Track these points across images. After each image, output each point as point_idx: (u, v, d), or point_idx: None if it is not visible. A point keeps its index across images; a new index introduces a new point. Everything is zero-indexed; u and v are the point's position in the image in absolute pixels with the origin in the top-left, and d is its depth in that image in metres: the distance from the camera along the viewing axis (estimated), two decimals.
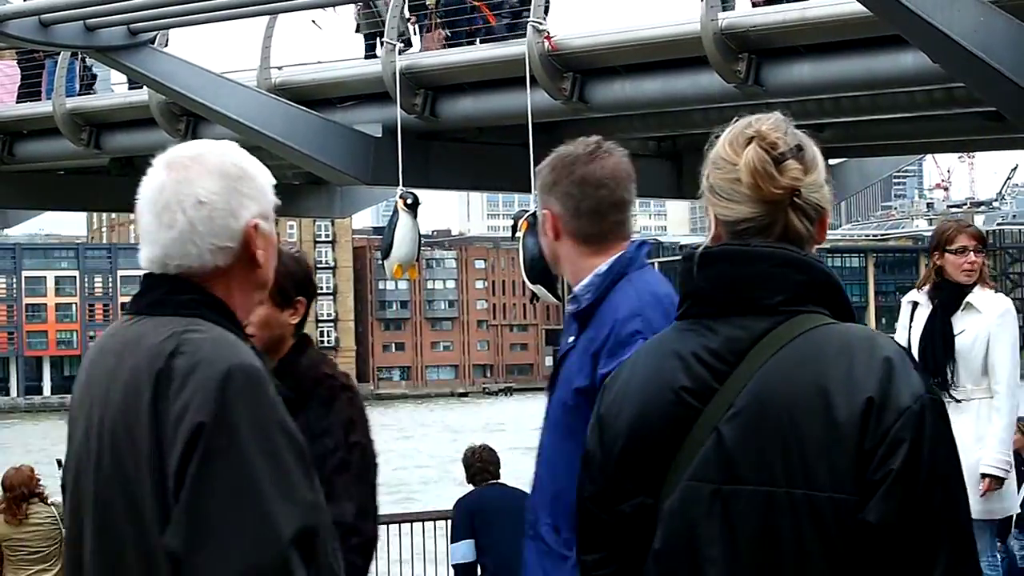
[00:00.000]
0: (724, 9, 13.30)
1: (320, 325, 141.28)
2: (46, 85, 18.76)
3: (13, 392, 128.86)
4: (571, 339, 3.69)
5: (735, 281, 2.59)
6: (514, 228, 14.00)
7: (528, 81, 14.03)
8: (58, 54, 17.86)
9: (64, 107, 17.98)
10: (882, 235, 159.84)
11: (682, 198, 19.44)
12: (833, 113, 13.89)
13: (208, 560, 2.44)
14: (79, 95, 18.41)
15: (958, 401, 6.72)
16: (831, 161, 16.03)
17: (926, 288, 7.00)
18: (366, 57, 16.53)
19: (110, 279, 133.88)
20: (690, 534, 2.54)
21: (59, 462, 12.44)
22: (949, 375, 6.80)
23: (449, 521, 10.26)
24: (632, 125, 15.76)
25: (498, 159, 16.55)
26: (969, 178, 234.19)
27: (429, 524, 12.58)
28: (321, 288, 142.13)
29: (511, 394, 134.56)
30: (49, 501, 11.49)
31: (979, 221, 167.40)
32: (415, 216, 14.34)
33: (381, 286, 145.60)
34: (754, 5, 13.54)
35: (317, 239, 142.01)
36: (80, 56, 17.95)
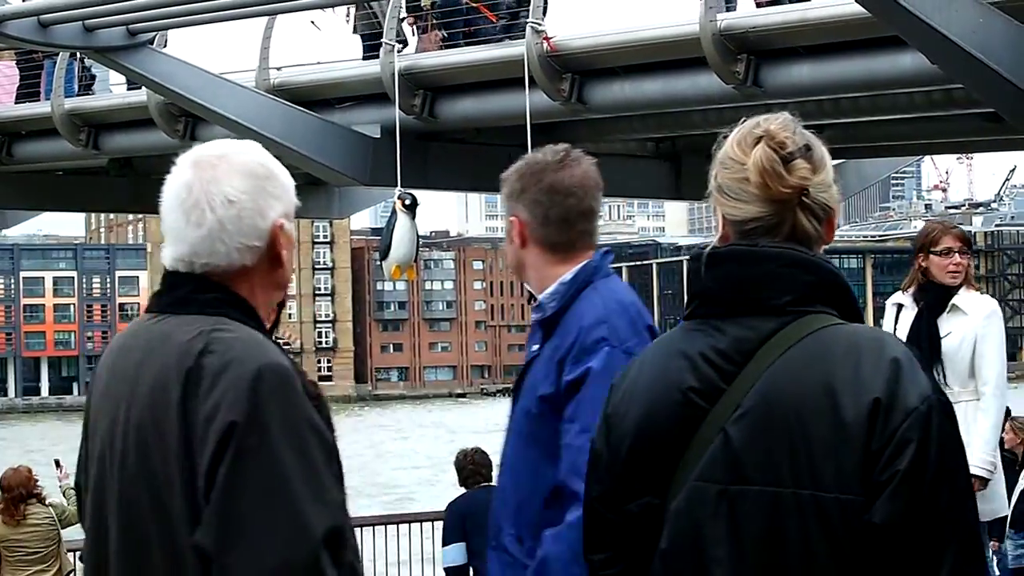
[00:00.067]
0: (728, 9, 13.30)
1: (318, 326, 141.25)
2: (45, 86, 18.73)
3: (11, 393, 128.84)
4: (536, 347, 3.68)
5: (743, 281, 2.59)
6: None
7: (527, 82, 14.02)
8: (57, 54, 17.83)
9: (63, 108, 17.96)
10: (880, 236, 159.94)
11: (681, 199, 19.43)
12: (832, 114, 13.88)
13: (240, 559, 2.44)
14: (78, 96, 18.38)
15: None
16: None
17: (911, 290, 6.94)
18: (364, 58, 16.52)
19: (108, 280, 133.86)
20: (696, 534, 2.54)
21: (57, 462, 12.42)
22: (936, 377, 6.77)
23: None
24: (631, 126, 15.75)
25: (497, 160, 16.39)
26: (967, 179, 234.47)
27: (427, 525, 12.57)
28: (319, 289, 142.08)
29: (509, 395, 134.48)
30: (47, 502, 11.50)
31: (977, 222, 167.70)
32: (413, 217, 14.33)
33: (379, 287, 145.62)
34: (758, 5, 13.53)
35: (315, 240, 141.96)
36: (79, 57, 17.92)
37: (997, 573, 10.21)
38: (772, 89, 12.98)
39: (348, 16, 16.63)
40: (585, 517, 2.73)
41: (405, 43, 15.61)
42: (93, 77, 18.82)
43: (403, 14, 15.55)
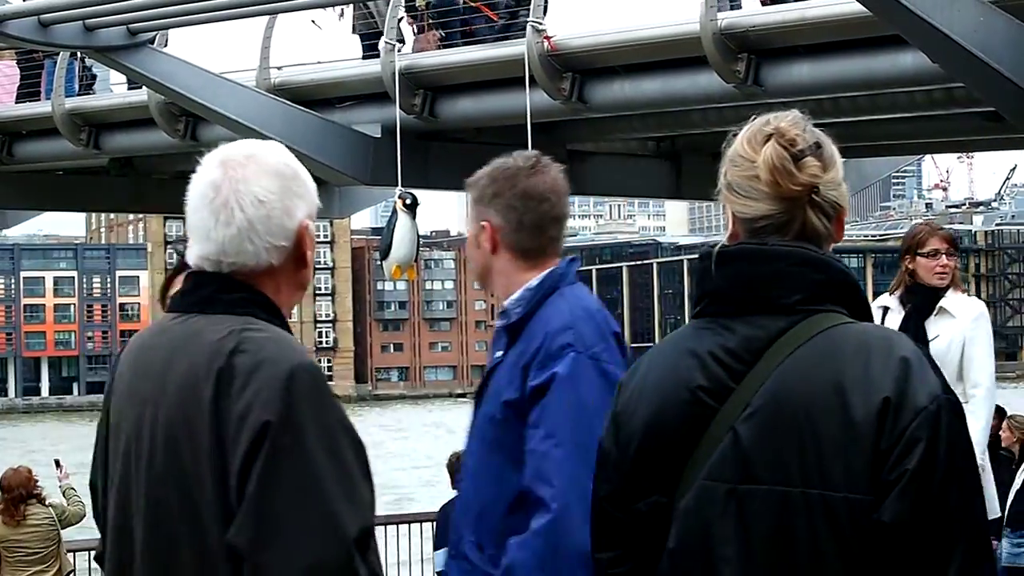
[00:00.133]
0: (732, 7, 13.30)
1: (318, 326, 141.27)
2: (45, 85, 18.73)
3: (11, 393, 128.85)
4: (500, 353, 3.66)
5: (752, 280, 2.59)
6: None
7: (527, 81, 14.02)
8: (57, 54, 17.83)
9: (63, 107, 17.96)
10: (880, 235, 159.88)
11: (681, 198, 19.42)
12: (832, 113, 13.88)
13: (274, 558, 2.45)
14: (78, 95, 18.38)
15: None
16: None
17: (898, 292, 6.88)
18: (364, 58, 16.53)
19: (108, 280, 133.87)
20: (705, 533, 2.54)
21: (57, 462, 12.41)
22: None
23: None
24: (631, 125, 15.75)
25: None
26: (968, 178, 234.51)
27: (427, 525, 12.55)
28: (319, 289, 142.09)
29: None
30: (47, 502, 11.49)
31: (978, 221, 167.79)
32: (414, 217, 14.33)
33: (379, 287, 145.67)
34: (763, 4, 13.52)
35: (316, 239, 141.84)
36: (79, 56, 17.93)
37: None
38: (772, 88, 12.97)
39: (341, 15, 16.62)
40: (593, 516, 2.73)
41: (402, 41, 15.60)
42: (94, 77, 18.82)
43: (402, 13, 15.55)
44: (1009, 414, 12.31)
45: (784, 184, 2.59)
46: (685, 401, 2.58)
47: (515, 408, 3.54)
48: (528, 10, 14.44)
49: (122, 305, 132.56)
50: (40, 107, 18.65)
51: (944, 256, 6.76)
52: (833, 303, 2.57)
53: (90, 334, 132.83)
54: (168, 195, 21.28)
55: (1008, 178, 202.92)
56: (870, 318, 2.62)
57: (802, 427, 2.48)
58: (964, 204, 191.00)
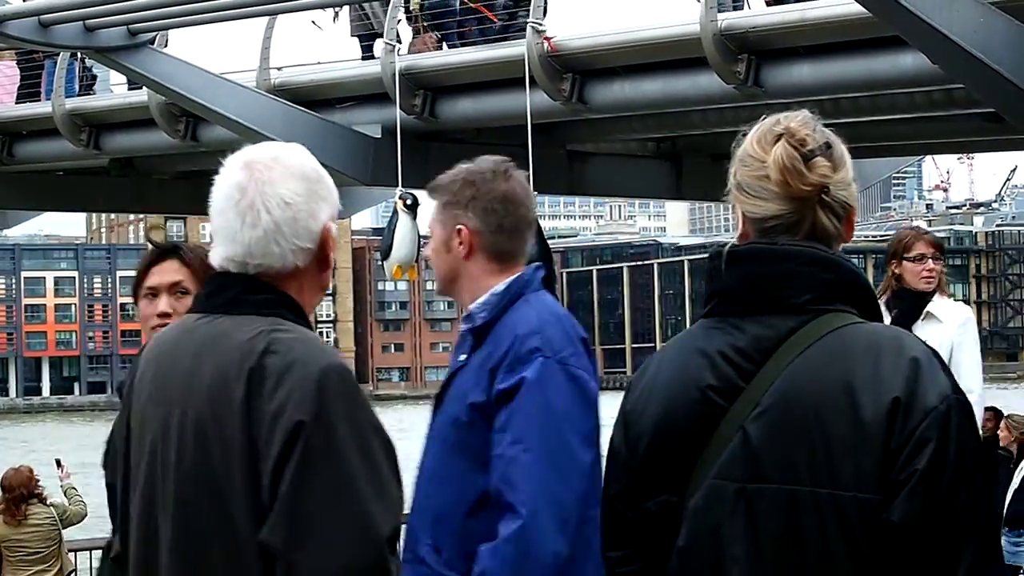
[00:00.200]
0: (735, 8, 13.31)
1: (319, 326, 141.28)
2: (45, 86, 18.74)
3: (12, 393, 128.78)
4: (463, 357, 3.65)
5: (762, 279, 2.59)
6: None
7: (527, 82, 14.02)
8: (57, 54, 17.84)
9: (63, 108, 17.97)
10: (881, 236, 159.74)
11: (681, 199, 19.42)
12: (832, 114, 13.87)
13: (308, 558, 2.47)
14: (78, 96, 18.39)
15: None
16: None
17: (884, 298, 6.83)
18: (363, 58, 16.54)
19: (109, 280, 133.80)
20: (714, 532, 2.54)
21: (58, 462, 12.42)
22: None
23: None
24: (631, 126, 15.75)
25: None
26: (968, 179, 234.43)
27: None
28: None
29: None
30: (48, 502, 11.50)
31: (978, 222, 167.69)
32: (415, 217, 14.33)
33: (380, 287, 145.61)
34: (768, 4, 13.53)
35: None
36: (80, 57, 17.93)
37: None
38: (773, 89, 12.98)
39: (336, 18, 16.63)
40: (603, 515, 2.74)
41: (399, 42, 15.61)
42: (94, 77, 18.82)
43: (401, 15, 15.56)
44: (1007, 414, 12.33)
45: (794, 184, 2.59)
46: (695, 400, 2.59)
47: (481, 411, 3.53)
48: (526, 11, 14.46)
49: (123, 305, 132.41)
50: (40, 107, 18.65)
51: (930, 260, 6.74)
52: (843, 303, 2.58)
53: (91, 334, 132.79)
54: (168, 195, 21.31)
55: (1008, 179, 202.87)
56: (880, 318, 2.62)
57: (812, 427, 2.49)
58: (965, 205, 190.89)
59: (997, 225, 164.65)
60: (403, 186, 14.39)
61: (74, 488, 11.98)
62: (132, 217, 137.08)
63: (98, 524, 8.48)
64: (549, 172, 15.93)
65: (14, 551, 11.20)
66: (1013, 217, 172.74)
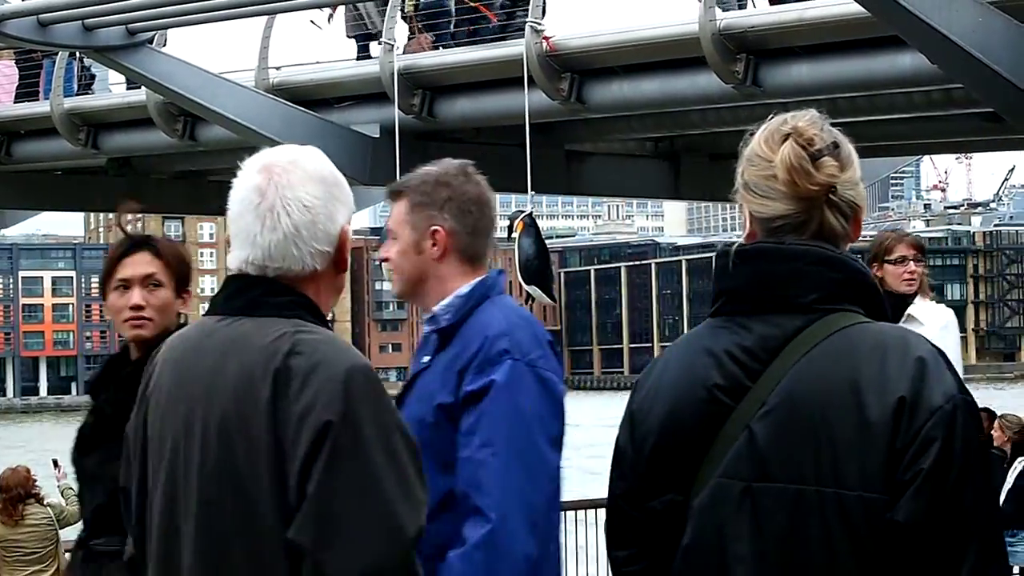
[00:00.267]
0: (740, 7, 13.30)
1: None
2: (44, 85, 18.73)
3: (9, 393, 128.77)
4: (427, 358, 3.62)
5: (769, 279, 2.59)
6: (510, 229, 13.99)
7: (526, 81, 14.02)
8: (56, 54, 17.83)
9: (62, 107, 17.96)
10: None
11: (679, 199, 19.41)
12: (831, 114, 13.62)
13: (336, 556, 2.49)
14: (77, 95, 18.38)
15: None
16: None
17: None
18: (358, 58, 16.55)
19: None
20: (719, 531, 2.54)
21: (55, 462, 12.40)
22: None
23: None
24: (630, 126, 15.75)
25: (496, 160, 16.51)
26: (966, 179, 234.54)
27: None
28: None
29: None
30: (45, 502, 11.49)
31: (976, 222, 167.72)
32: None
33: (378, 287, 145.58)
34: (771, 3, 13.53)
35: None
36: (78, 56, 17.92)
37: None
38: (771, 89, 12.98)
39: (330, 19, 16.63)
40: (609, 514, 2.74)
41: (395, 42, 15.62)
42: (92, 76, 18.82)
43: (400, 14, 15.55)
44: (1000, 414, 12.34)
45: (802, 184, 2.59)
46: (701, 399, 2.59)
47: (448, 412, 3.51)
48: (524, 11, 14.45)
49: None
50: (39, 107, 18.65)
51: (912, 262, 6.73)
52: (850, 302, 2.58)
53: (88, 334, 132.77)
54: (167, 195, 21.30)
55: (1006, 179, 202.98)
56: (887, 318, 2.62)
57: (817, 426, 2.49)
58: (963, 205, 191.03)
59: (995, 225, 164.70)
60: None
61: (71, 488, 11.96)
62: (130, 217, 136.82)
63: None
64: (547, 172, 15.93)
65: (11, 551, 11.20)
66: (1011, 217, 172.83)
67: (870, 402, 2.46)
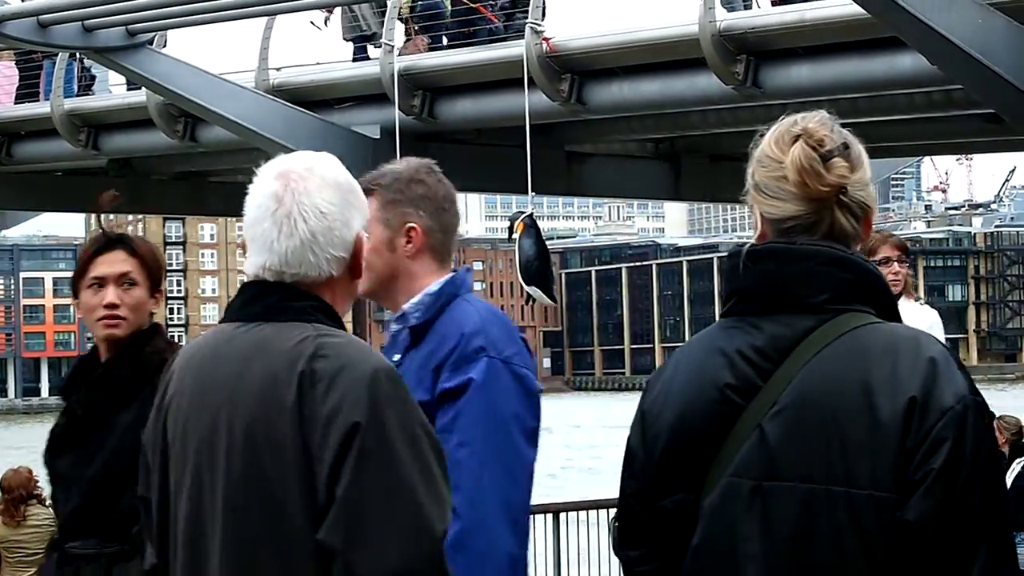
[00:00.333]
0: (745, 7, 13.31)
1: None
2: (44, 86, 18.74)
3: (11, 393, 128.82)
4: (397, 357, 3.60)
5: (781, 279, 2.60)
6: (511, 230, 14.00)
7: (526, 83, 14.03)
8: (56, 55, 17.84)
9: (62, 108, 17.97)
10: None
11: (680, 200, 19.42)
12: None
13: (367, 556, 2.51)
14: (77, 96, 18.39)
15: None
16: None
17: None
18: (354, 60, 16.56)
19: None
20: (729, 530, 2.55)
21: None
22: None
23: None
24: (630, 127, 15.76)
25: (496, 160, 16.55)
26: (967, 180, 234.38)
27: None
28: None
29: None
30: (47, 503, 11.50)
31: (977, 223, 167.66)
32: None
33: None
34: (773, 4, 13.54)
35: None
36: (78, 57, 17.94)
37: None
38: (771, 90, 12.98)
39: (327, 22, 16.63)
40: (620, 513, 2.75)
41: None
42: (93, 77, 18.83)
43: (400, 15, 15.57)
44: (998, 415, 12.34)
45: (812, 185, 2.59)
46: (713, 399, 2.59)
47: (424, 410, 3.52)
48: (524, 13, 14.46)
49: None
50: (39, 108, 18.66)
51: (896, 263, 6.73)
52: (861, 303, 2.58)
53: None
54: (167, 196, 21.31)
55: (1007, 180, 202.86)
56: (898, 318, 2.62)
57: (828, 426, 2.49)
58: (963, 206, 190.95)
59: (996, 226, 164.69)
60: None
61: None
62: (131, 218, 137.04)
63: None
64: (548, 173, 15.95)
65: (13, 552, 11.20)
66: (1012, 218, 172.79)
67: (881, 402, 2.47)
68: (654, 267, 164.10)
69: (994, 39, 11.01)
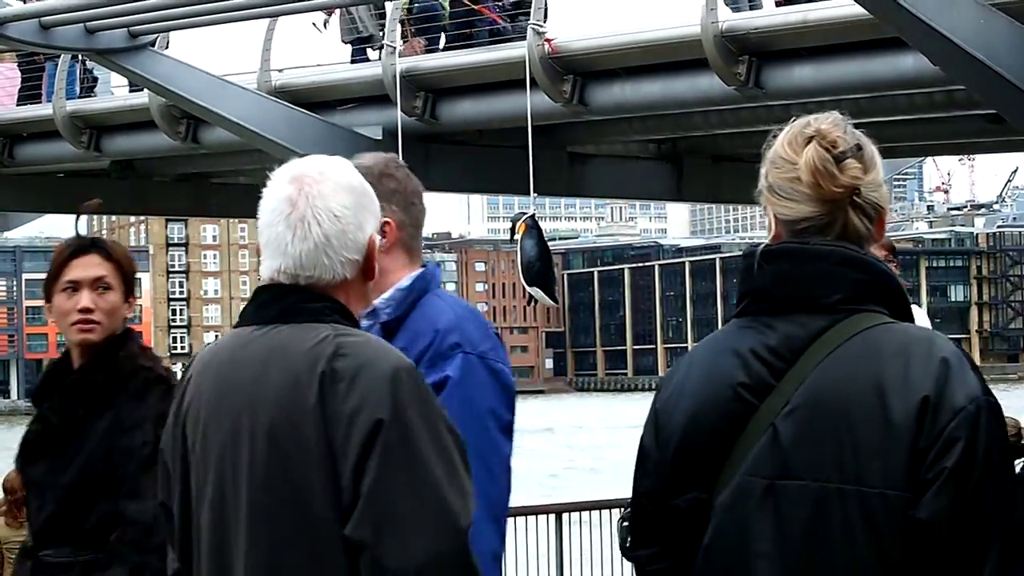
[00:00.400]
0: (752, 7, 13.30)
1: None
2: (46, 88, 18.74)
3: (14, 395, 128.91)
4: None
5: (794, 279, 2.61)
6: (512, 231, 14.00)
7: (528, 84, 14.03)
8: (58, 57, 17.85)
9: (64, 110, 17.97)
10: None
11: (682, 200, 19.41)
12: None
13: (396, 550, 2.55)
14: (79, 98, 18.39)
15: None
16: None
17: None
18: (352, 62, 16.57)
19: None
20: (742, 529, 2.56)
21: None
22: None
23: None
24: (632, 128, 15.76)
25: (498, 161, 16.55)
26: (969, 180, 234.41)
27: None
28: None
29: None
30: None
31: (979, 224, 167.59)
32: None
33: None
34: (777, 5, 13.54)
35: None
36: (80, 59, 17.94)
37: None
38: (773, 91, 12.98)
39: (325, 24, 16.63)
40: (633, 512, 2.76)
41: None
42: (95, 79, 18.83)
43: (400, 16, 15.57)
44: None
45: (826, 186, 2.60)
46: (726, 398, 2.60)
47: None
48: (526, 15, 14.46)
49: None
50: (41, 109, 18.66)
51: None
52: (874, 303, 2.59)
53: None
54: (169, 197, 21.31)
55: (1009, 180, 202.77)
56: (911, 319, 2.63)
57: (840, 425, 2.50)
58: (966, 206, 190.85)
59: (998, 226, 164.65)
60: None
61: None
62: (133, 219, 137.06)
63: None
64: (550, 174, 15.95)
65: (15, 553, 11.21)
66: (1014, 218, 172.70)
67: (894, 402, 2.48)
68: (656, 268, 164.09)
69: (996, 40, 11.01)
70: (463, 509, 2.60)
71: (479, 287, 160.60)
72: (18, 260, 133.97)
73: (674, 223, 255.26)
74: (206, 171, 19.78)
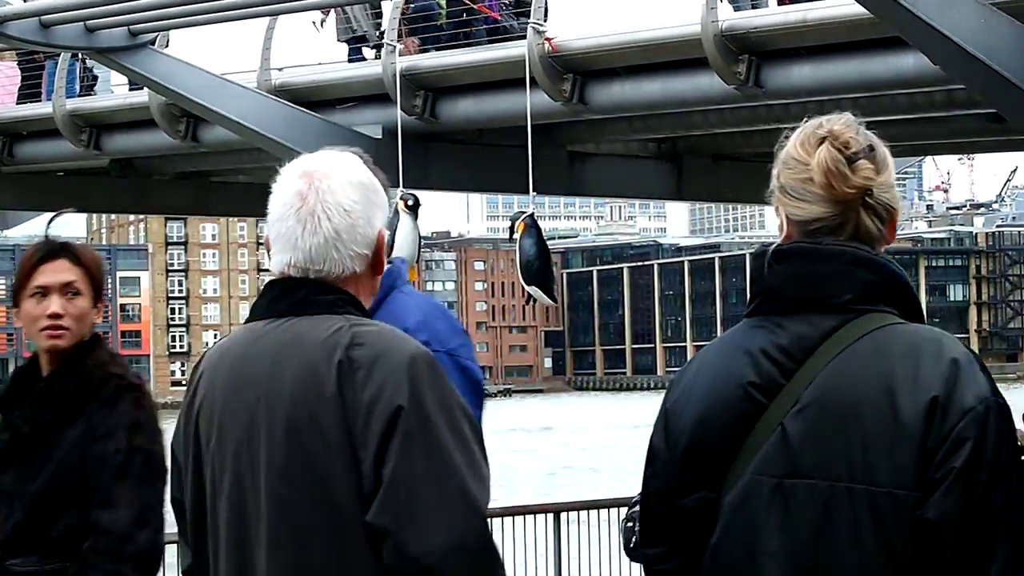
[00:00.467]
0: (754, 6, 13.30)
1: None
2: (46, 86, 18.74)
3: None
4: None
5: (805, 278, 2.62)
6: (512, 230, 14.01)
7: (528, 83, 14.03)
8: (58, 55, 17.85)
9: (64, 108, 17.98)
10: None
11: (682, 200, 19.42)
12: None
13: (418, 534, 2.58)
14: (79, 96, 18.40)
15: None
16: None
17: None
18: (349, 61, 16.58)
19: (109, 280, 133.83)
20: (750, 528, 2.56)
21: None
22: None
23: None
24: (632, 127, 15.77)
25: (498, 160, 16.56)
26: (969, 180, 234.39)
27: None
28: None
29: (510, 395, 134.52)
30: None
31: (979, 223, 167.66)
32: (416, 217, 14.33)
33: None
34: (780, 3, 13.54)
35: None
36: (80, 57, 17.94)
37: None
38: (773, 90, 12.99)
39: (322, 24, 16.64)
40: (642, 511, 2.77)
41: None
42: (95, 78, 18.84)
43: (398, 14, 15.57)
44: None
45: (838, 187, 2.61)
46: (736, 397, 2.61)
47: None
48: (526, 14, 14.46)
49: (123, 306, 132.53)
50: (41, 108, 18.66)
51: None
52: (885, 303, 2.60)
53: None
54: (169, 196, 21.32)
55: (1009, 180, 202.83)
56: (921, 319, 2.63)
57: (849, 424, 2.51)
58: (965, 206, 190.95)
59: (997, 226, 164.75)
60: (404, 187, 14.39)
61: None
62: (132, 218, 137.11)
63: None
64: (549, 172, 15.96)
65: None
66: (1013, 218, 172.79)
67: (903, 402, 2.48)
68: (655, 267, 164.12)
69: (996, 39, 11.02)
70: (481, 494, 2.63)
71: (478, 286, 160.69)
72: (17, 259, 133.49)
73: (673, 222, 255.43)
74: (205, 170, 19.79)
